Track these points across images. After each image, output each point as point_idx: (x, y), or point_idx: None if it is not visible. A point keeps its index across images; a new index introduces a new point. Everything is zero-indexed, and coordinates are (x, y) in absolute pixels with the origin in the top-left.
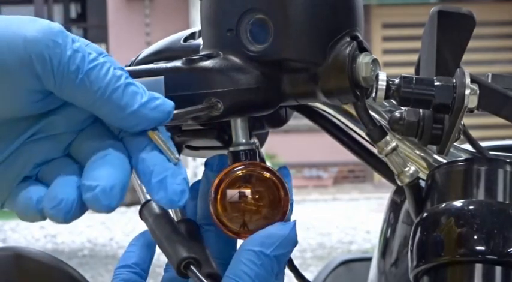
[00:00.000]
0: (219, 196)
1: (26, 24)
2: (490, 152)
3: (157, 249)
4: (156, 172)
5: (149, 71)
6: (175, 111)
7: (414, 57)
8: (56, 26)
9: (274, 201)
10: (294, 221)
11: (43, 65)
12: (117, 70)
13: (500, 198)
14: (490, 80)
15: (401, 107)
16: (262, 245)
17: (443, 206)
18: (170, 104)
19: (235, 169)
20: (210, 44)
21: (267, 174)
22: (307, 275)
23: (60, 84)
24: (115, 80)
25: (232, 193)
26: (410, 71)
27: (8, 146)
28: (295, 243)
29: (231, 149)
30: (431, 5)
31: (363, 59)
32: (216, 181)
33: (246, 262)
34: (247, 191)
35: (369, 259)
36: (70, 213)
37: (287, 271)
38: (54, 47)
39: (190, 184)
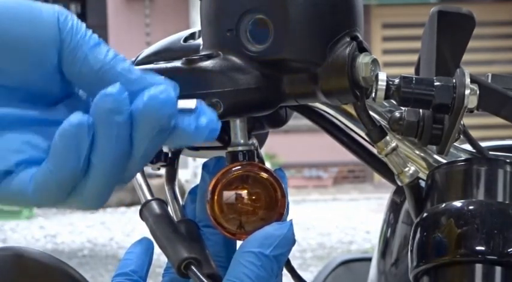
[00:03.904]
0: (215, 197)
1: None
2: (490, 152)
3: (157, 250)
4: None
5: (149, 71)
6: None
7: (414, 57)
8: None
9: (271, 202)
10: (291, 221)
11: (64, 44)
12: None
13: (500, 199)
14: (490, 80)
15: (401, 107)
16: (261, 246)
17: (443, 206)
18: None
19: (233, 169)
20: (210, 44)
21: (264, 175)
22: (307, 275)
23: (72, 63)
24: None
25: (229, 194)
26: (410, 71)
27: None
28: (293, 242)
29: (229, 149)
30: (431, 5)
31: (363, 59)
32: (213, 182)
33: (246, 264)
34: (244, 192)
35: (369, 259)
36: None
37: (284, 271)
38: (70, 27)
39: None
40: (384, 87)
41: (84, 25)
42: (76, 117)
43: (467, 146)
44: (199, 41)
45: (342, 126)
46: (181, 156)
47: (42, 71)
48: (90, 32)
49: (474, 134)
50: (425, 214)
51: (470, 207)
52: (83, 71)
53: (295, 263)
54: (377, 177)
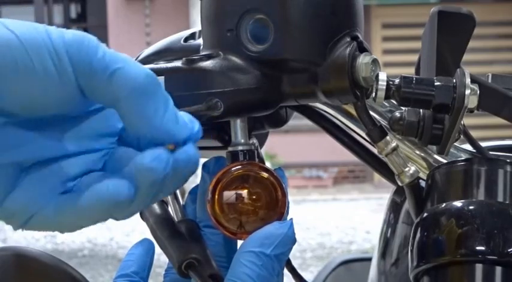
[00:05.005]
0: (216, 197)
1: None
2: (490, 152)
3: (158, 250)
4: None
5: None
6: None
7: (414, 57)
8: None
9: (272, 202)
10: (291, 220)
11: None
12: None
13: (500, 199)
14: (490, 80)
15: (402, 107)
16: (262, 246)
17: (443, 206)
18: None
19: (233, 169)
20: (210, 44)
21: (265, 175)
22: (307, 275)
23: (93, 85)
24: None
25: (230, 194)
26: (410, 71)
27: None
28: (293, 241)
29: (230, 149)
30: (431, 5)
31: (363, 59)
32: (214, 181)
33: (246, 264)
34: (245, 192)
35: (369, 259)
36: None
37: (285, 271)
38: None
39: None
40: (384, 87)
41: (96, 42)
42: (121, 190)
43: (467, 146)
44: (200, 41)
45: (342, 126)
46: None
47: (63, 95)
48: (106, 51)
49: (474, 134)
50: (425, 214)
51: (471, 207)
52: (107, 98)
53: (295, 263)
54: (377, 177)
